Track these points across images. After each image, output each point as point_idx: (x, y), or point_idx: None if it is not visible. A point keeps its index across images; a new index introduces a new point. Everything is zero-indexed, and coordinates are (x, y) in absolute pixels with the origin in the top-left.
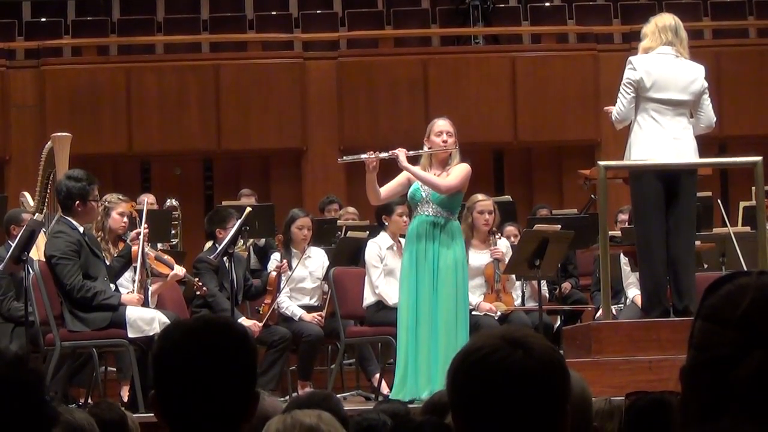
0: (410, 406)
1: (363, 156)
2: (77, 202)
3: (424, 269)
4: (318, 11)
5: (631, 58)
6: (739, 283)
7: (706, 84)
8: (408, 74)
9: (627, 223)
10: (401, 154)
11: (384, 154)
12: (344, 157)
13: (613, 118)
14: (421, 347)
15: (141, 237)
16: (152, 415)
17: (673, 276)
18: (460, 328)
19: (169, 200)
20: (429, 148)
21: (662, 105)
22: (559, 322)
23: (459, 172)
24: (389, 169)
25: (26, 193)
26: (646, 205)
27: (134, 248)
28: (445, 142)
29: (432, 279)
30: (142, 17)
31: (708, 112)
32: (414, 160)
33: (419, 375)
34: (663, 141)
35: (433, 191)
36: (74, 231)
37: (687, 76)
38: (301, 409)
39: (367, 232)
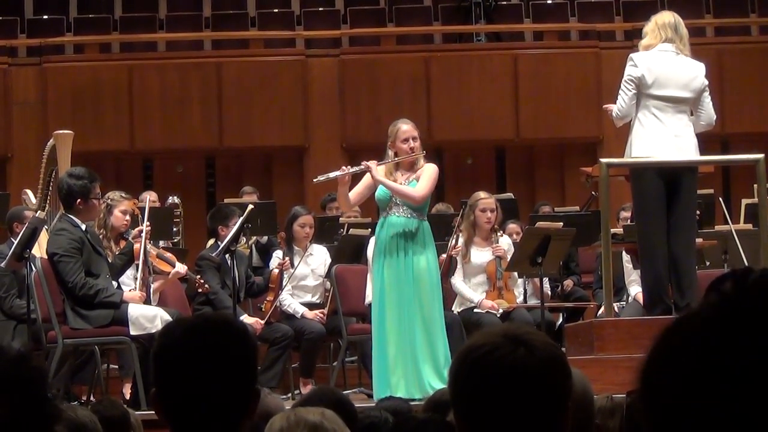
0: (412, 404)
1: (337, 173)
2: (79, 199)
3: (392, 276)
4: (320, 8)
5: (632, 55)
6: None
7: (706, 82)
8: (410, 72)
9: (629, 221)
10: (373, 167)
11: (355, 169)
12: (318, 178)
13: (614, 115)
14: (391, 347)
15: (143, 235)
16: (154, 412)
17: (675, 273)
18: (438, 330)
19: (170, 197)
20: (395, 154)
21: (663, 102)
22: (561, 320)
23: (428, 176)
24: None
25: (28, 191)
26: (647, 202)
27: (136, 246)
28: (411, 148)
29: (404, 284)
30: (144, 14)
31: (708, 110)
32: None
33: (390, 375)
34: (664, 138)
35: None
36: (76, 228)
37: (688, 73)
38: (311, 405)
39: (369, 230)
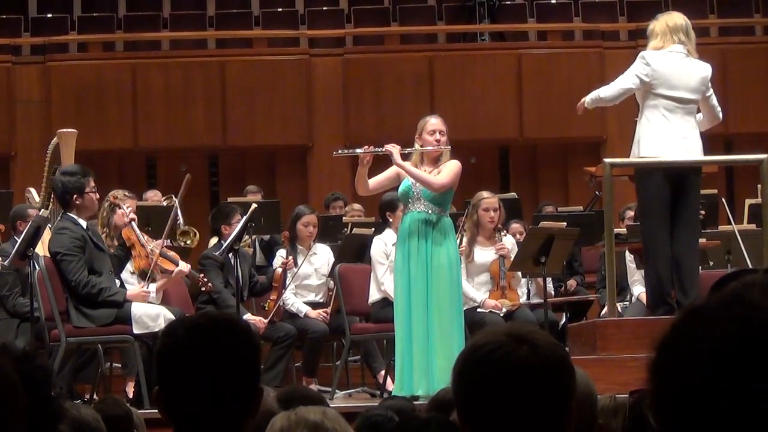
0: (416, 403)
1: (358, 151)
2: (75, 195)
3: (416, 267)
4: (324, 8)
5: (644, 54)
6: (745, 281)
7: (710, 83)
8: (414, 71)
9: (634, 221)
10: (395, 150)
11: (378, 150)
12: (339, 151)
13: (595, 95)
14: (415, 345)
15: (129, 216)
16: (157, 411)
17: (677, 273)
18: (455, 327)
19: (167, 198)
20: (421, 146)
21: (673, 103)
22: (564, 320)
23: (450, 169)
24: (385, 161)
25: (32, 189)
26: (652, 203)
27: (124, 231)
28: (437, 141)
29: (425, 277)
30: (148, 13)
31: (717, 106)
32: (406, 157)
33: (413, 372)
34: (673, 139)
35: (425, 188)
36: (77, 227)
37: (696, 75)
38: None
39: (373, 229)
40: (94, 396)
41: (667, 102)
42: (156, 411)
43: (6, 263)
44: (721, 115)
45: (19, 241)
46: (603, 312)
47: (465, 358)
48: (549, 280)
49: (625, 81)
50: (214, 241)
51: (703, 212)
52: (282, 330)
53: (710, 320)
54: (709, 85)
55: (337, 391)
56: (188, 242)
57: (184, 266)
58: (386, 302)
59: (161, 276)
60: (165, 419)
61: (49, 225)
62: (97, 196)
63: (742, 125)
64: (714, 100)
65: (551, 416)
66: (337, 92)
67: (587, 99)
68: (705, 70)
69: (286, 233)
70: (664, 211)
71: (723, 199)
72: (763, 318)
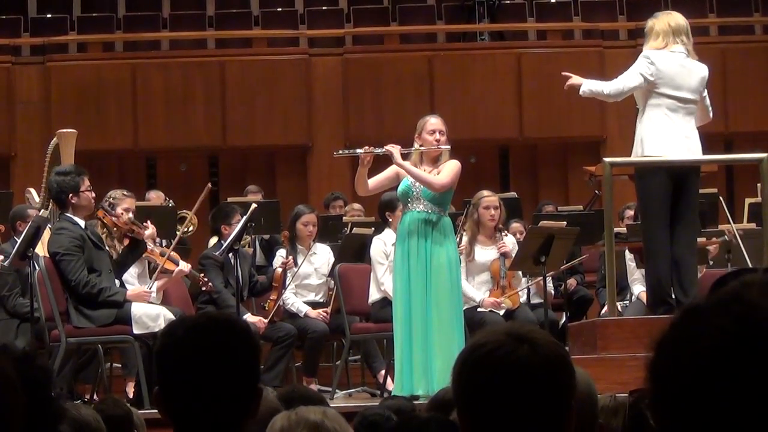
0: (416, 402)
1: (358, 151)
2: (70, 194)
3: (416, 266)
4: (324, 7)
5: (648, 53)
6: (745, 280)
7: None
8: (413, 71)
9: (633, 220)
10: (395, 151)
11: (378, 150)
12: (340, 151)
13: (597, 89)
14: (415, 344)
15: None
16: (157, 411)
17: (677, 272)
18: (455, 327)
19: (165, 200)
20: (421, 146)
21: (676, 102)
22: (564, 319)
23: (450, 169)
24: (385, 161)
25: (32, 189)
26: (653, 202)
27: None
28: (437, 141)
29: (424, 276)
30: (147, 14)
31: (709, 106)
32: (406, 157)
33: (413, 371)
34: (676, 139)
35: (425, 188)
36: (76, 226)
37: (697, 75)
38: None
39: (372, 229)
40: (94, 396)
41: (670, 102)
42: (156, 411)
43: (6, 263)
44: (711, 114)
45: (19, 241)
46: (603, 311)
47: (465, 358)
48: (549, 279)
49: (630, 79)
50: (214, 241)
51: (728, 232)
52: (282, 330)
53: (709, 319)
54: (705, 85)
55: (337, 391)
56: (189, 229)
57: (185, 266)
58: (386, 302)
59: (161, 276)
60: (165, 419)
61: (49, 225)
62: (93, 194)
63: (741, 124)
64: (708, 101)
65: (551, 416)
66: (337, 92)
67: (584, 88)
68: (704, 70)
69: (286, 233)
70: (664, 210)
71: (721, 198)
72: (762, 317)
